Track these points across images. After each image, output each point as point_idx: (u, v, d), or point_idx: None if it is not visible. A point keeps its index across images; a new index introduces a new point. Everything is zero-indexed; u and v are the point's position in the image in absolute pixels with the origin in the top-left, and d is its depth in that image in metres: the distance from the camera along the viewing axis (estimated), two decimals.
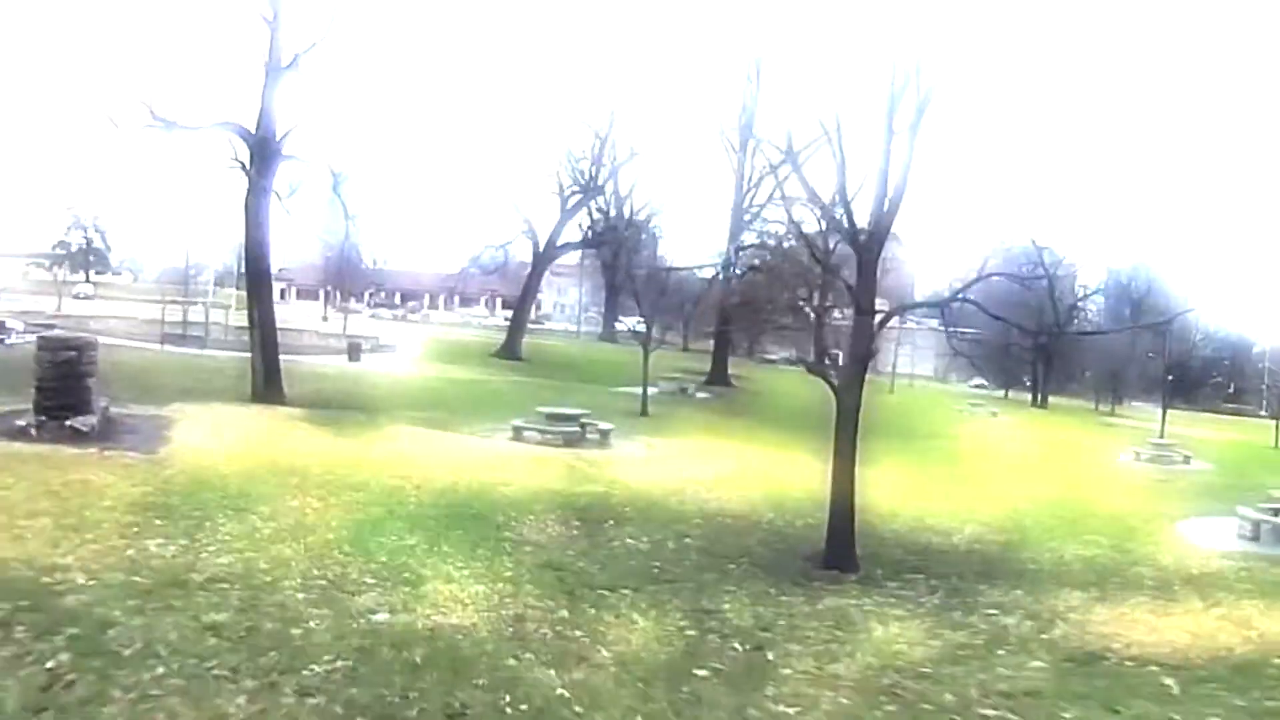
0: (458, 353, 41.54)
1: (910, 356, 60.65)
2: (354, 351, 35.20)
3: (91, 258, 72.65)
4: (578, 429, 20.21)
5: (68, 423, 13.40)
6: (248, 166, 21.60)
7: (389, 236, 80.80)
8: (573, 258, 62.98)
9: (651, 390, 29.56)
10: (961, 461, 24.36)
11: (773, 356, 54.42)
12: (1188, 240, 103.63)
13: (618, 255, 69.03)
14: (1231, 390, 75.10)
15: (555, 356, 46.28)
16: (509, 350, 42.33)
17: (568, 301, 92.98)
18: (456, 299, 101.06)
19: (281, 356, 21.90)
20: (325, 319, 55.81)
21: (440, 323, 74.87)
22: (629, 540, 11.81)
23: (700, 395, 36.26)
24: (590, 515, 12.80)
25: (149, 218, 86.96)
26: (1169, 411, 39.64)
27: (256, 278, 22.39)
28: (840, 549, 11.67)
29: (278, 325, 21.98)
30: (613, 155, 43.53)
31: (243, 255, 22.35)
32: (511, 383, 33.15)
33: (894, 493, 15.93)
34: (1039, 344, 57.05)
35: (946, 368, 68.95)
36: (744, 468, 18.46)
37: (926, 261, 72.92)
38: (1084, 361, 65.16)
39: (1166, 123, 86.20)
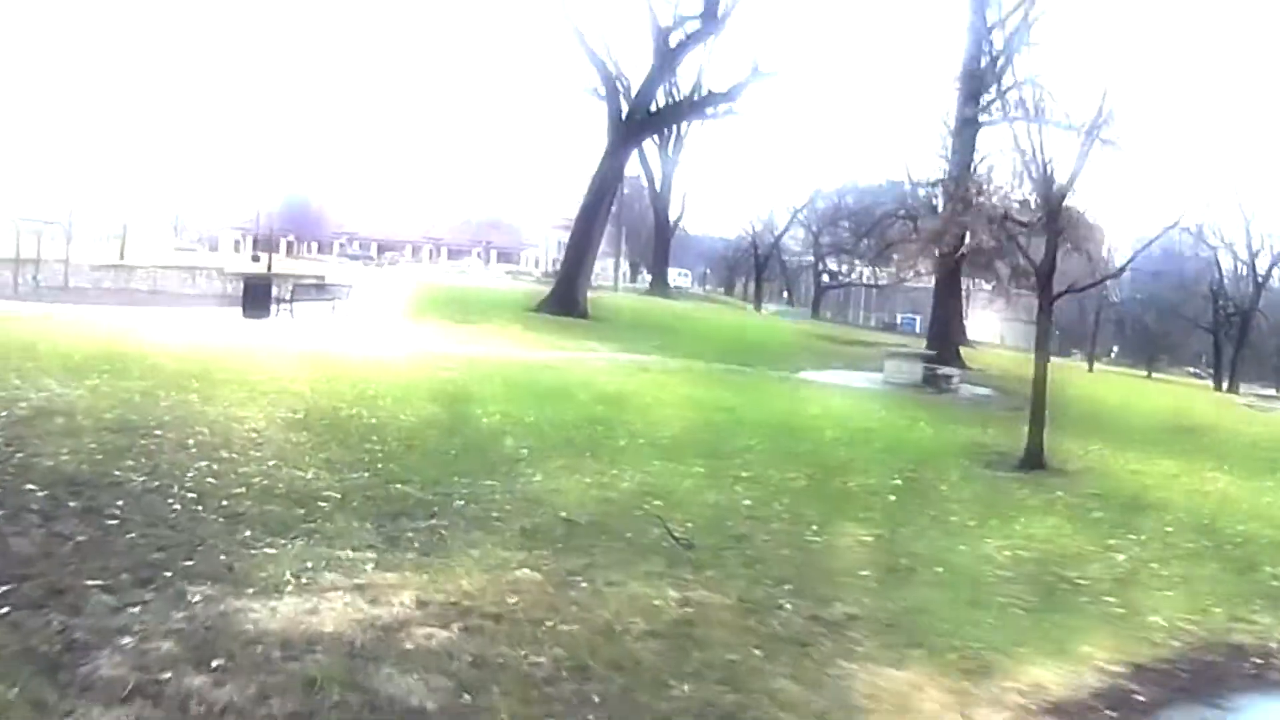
0: (471, 305, 22.32)
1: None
2: (254, 300, 16.07)
3: None
4: None
5: None
6: None
7: (365, 182, 61.63)
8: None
9: (861, 379, 17.51)
10: None
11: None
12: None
13: (663, 214, 50.51)
14: None
15: (631, 314, 27.23)
16: (563, 301, 23.29)
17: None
18: (443, 250, 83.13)
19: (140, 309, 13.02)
20: (255, 259, 37.02)
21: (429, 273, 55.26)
22: None
23: (974, 389, 17.50)
24: None
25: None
26: None
27: None
28: None
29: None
30: None
31: None
32: (629, 370, 14.03)
33: None
34: (1231, 321, 46.92)
35: (1016, 335, 56.64)
36: None
37: None
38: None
39: None
